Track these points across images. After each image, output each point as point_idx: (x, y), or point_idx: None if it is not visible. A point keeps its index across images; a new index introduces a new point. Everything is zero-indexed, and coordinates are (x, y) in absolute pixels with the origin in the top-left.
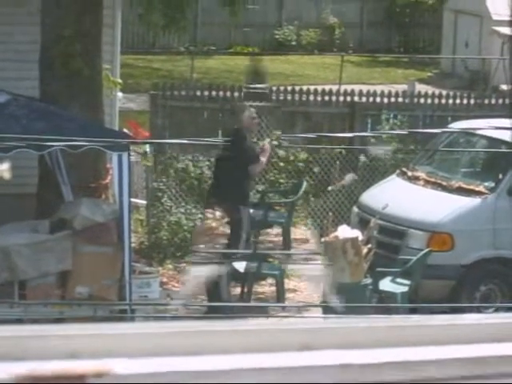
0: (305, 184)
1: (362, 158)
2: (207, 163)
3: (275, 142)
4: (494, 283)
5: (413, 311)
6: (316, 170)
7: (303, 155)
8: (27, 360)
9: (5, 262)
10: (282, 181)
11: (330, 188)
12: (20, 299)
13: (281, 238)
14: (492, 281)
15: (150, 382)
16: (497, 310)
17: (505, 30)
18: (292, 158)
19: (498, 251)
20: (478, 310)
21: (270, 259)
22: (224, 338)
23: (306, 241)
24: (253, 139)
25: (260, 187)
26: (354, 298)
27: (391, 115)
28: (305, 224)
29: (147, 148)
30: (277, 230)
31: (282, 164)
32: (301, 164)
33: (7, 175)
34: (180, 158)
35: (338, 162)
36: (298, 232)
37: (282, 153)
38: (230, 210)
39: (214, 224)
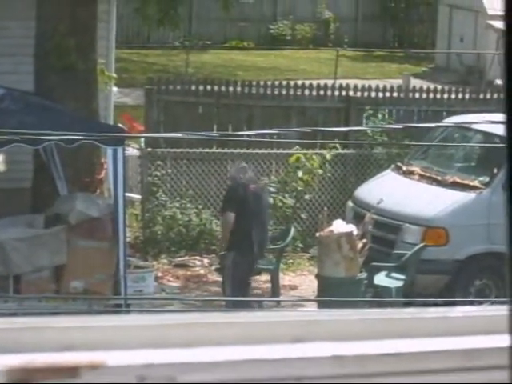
0: (293, 230)
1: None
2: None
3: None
4: (488, 278)
5: (407, 306)
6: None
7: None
8: (21, 352)
9: (0, 256)
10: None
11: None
12: (15, 294)
13: (269, 285)
14: (486, 276)
15: (144, 373)
16: (491, 304)
17: (500, 25)
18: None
19: (493, 246)
20: (473, 305)
21: (265, 254)
22: (217, 330)
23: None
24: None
25: None
26: (348, 292)
27: (378, 111)
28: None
29: (142, 142)
30: (265, 276)
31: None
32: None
33: (2, 167)
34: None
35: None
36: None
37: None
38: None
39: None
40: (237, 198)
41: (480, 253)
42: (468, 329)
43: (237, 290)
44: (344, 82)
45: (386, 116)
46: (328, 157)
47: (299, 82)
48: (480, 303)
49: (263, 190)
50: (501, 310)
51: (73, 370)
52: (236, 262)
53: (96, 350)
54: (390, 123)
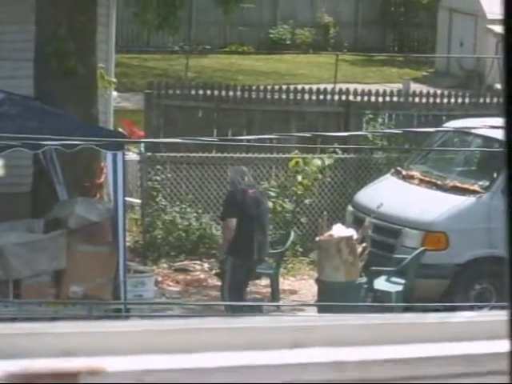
0: (293, 235)
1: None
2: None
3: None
4: (488, 282)
5: (407, 310)
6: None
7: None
8: (20, 358)
9: None
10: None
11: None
12: (14, 298)
13: (269, 289)
14: (486, 280)
15: (143, 380)
16: (491, 309)
17: (499, 29)
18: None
19: (493, 250)
20: (473, 309)
21: (265, 258)
22: (217, 335)
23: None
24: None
25: None
26: (348, 297)
27: (379, 115)
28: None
29: (141, 147)
30: (265, 281)
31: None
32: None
33: (1, 172)
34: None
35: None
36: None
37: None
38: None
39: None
40: (237, 203)
41: (480, 257)
42: (468, 334)
43: (234, 295)
44: (344, 86)
45: (386, 120)
46: (327, 162)
47: (299, 87)
48: (480, 308)
49: (262, 194)
50: (500, 316)
51: (72, 376)
52: (235, 266)
53: (95, 356)
54: (389, 128)
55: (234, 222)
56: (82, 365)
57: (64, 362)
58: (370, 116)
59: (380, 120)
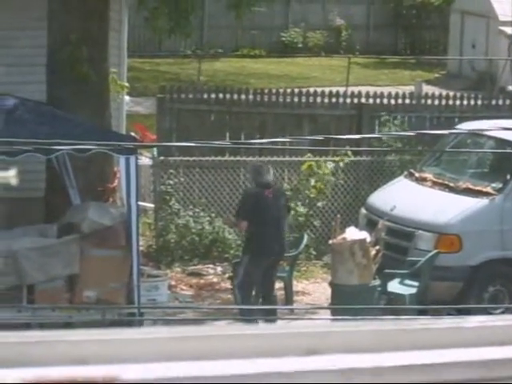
0: (306, 238)
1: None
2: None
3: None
4: (501, 284)
5: (421, 313)
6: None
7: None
8: (34, 366)
9: (13, 266)
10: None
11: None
12: (28, 303)
13: (283, 292)
14: (500, 282)
15: None
16: (505, 310)
17: (511, 31)
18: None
19: (506, 252)
20: (486, 311)
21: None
22: (231, 342)
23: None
24: None
25: None
26: (362, 299)
27: (391, 116)
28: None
29: (154, 151)
30: (278, 284)
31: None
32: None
33: (14, 181)
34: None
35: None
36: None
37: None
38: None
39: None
40: (249, 205)
41: (493, 259)
42: (482, 339)
43: (242, 290)
44: (356, 89)
45: (399, 120)
46: (341, 164)
47: (311, 90)
48: (494, 309)
49: (280, 192)
50: None
51: None
52: (248, 266)
53: (110, 364)
54: (404, 130)
55: (245, 224)
56: (97, 373)
57: (78, 370)
58: (386, 118)
59: (396, 122)
